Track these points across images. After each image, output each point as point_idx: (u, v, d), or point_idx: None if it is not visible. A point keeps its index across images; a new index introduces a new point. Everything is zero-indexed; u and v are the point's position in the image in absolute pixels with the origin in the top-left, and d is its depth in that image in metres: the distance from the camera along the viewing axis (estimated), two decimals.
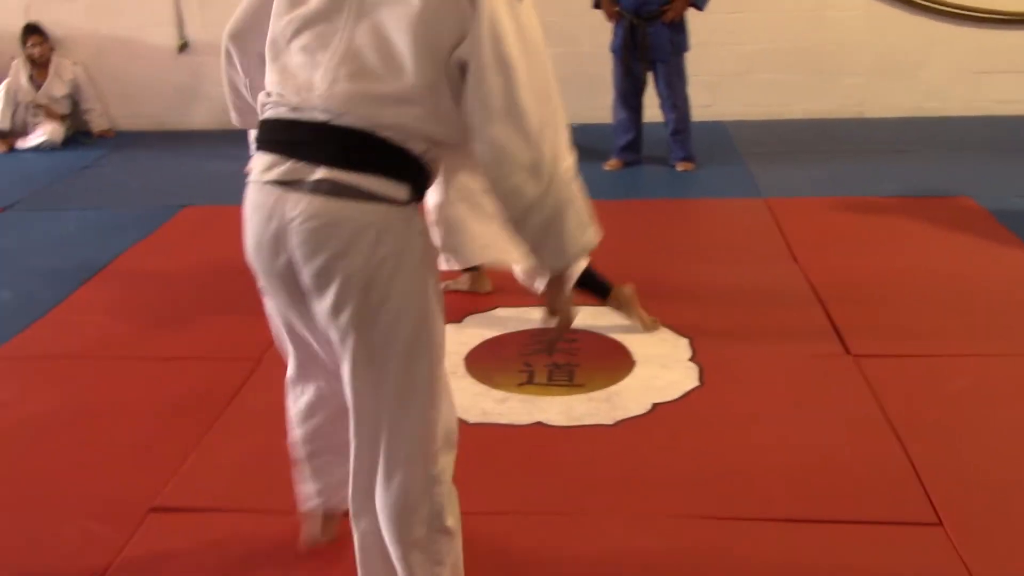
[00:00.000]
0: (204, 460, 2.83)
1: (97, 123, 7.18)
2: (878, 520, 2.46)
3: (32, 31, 6.91)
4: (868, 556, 2.33)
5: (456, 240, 3.09)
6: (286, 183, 1.72)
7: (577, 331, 3.59)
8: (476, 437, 2.92)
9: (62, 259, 4.56)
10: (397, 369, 1.81)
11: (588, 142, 6.39)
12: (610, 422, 2.97)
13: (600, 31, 5.93)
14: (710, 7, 5.58)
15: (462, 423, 2.95)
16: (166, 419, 3.06)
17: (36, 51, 6.90)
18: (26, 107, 6.92)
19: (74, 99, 7.11)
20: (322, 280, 1.73)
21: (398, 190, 1.73)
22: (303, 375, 2.14)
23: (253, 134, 1.93)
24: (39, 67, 6.96)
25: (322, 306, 1.77)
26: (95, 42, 7.14)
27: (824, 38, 6.81)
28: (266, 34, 1.81)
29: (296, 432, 2.26)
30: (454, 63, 1.67)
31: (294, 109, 1.73)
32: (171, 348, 3.57)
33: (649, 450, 2.83)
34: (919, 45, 6.79)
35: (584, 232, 1.79)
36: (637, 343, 3.48)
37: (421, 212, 1.82)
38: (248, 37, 1.91)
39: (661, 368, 3.29)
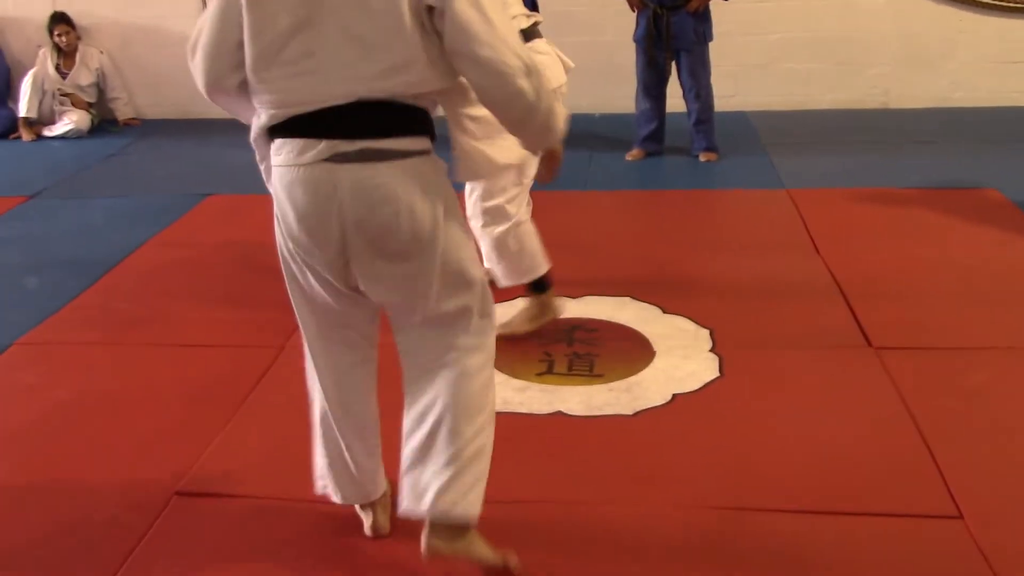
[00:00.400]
0: (228, 445, 2.86)
1: (123, 111, 7.24)
2: (898, 513, 2.46)
3: (59, 20, 6.97)
4: (888, 549, 2.33)
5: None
6: (327, 160, 1.95)
7: (598, 321, 3.60)
8: (496, 426, 2.93)
9: (88, 247, 4.61)
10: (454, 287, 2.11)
11: (611, 132, 6.42)
12: (630, 412, 2.98)
13: (624, 20, 5.92)
14: None
15: None
16: (190, 405, 3.09)
17: (63, 40, 6.97)
18: (53, 95, 6.99)
19: (100, 88, 7.18)
20: (383, 232, 2.00)
21: (422, 143, 2.03)
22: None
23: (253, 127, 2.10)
24: (66, 56, 7.03)
25: (381, 259, 2.04)
26: (121, 31, 7.19)
27: (849, 27, 6.76)
28: (236, 65, 2.01)
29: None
30: (422, 9, 1.91)
31: (308, 104, 1.95)
32: (195, 335, 3.61)
33: (669, 441, 2.83)
34: (945, 35, 6.73)
35: (562, 114, 2.17)
36: (658, 334, 3.48)
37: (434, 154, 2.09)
38: (223, 82, 2.07)
39: (682, 359, 3.29)
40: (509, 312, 3.51)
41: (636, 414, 2.97)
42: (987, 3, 6.64)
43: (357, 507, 2.46)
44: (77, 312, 3.87)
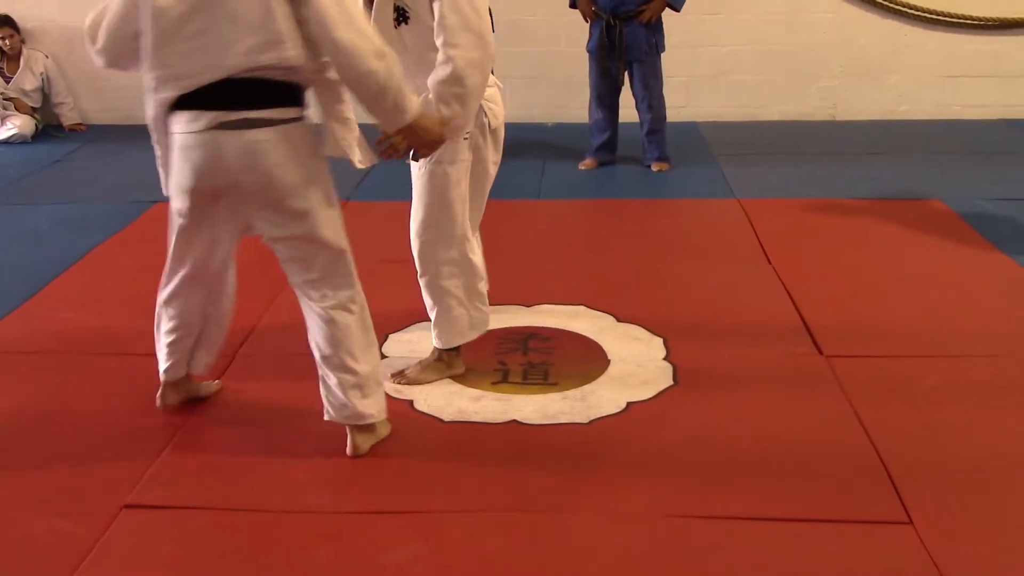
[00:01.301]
0: (177, 457, 2.81)
1: (68, 116, 7.11)
2: (850, 519, 2.49)
3: (3, 22, 6.83)
4: (839, 555, 2.35)
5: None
6: (215, 127, 2.45)
7: (552, 330, 3.61)
8: (451, 435, 2.93)
9: (33, 254, 4.52)
10: (321, 222, 2.60)
11: (564, 141, 6.44)
12: (585, 421, 2.98)
13: (577, 31, 5.96)
14: (686, 8, 5.61)
15: (437, 421, 2.98)
16: (138, 416, 3.03)
17: (7, 43, 6.83)
18: None
19: (45, 92, 7.05)
20: (262, 186, 2.52)
21: (294, 112, 2.52)
22: (180, 270, 2.87)
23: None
24: (10, 60, 6.90)
25: (258, 205, 2.57)
26: (66, 34, 7.05)
27: (797, 41, 6.87)
28: (134, 51, 2.53)
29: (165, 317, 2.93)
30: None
31: (198, 78, 2.41)
32: (143, 344, 3.52)
33: (624, 449, 2.84)
34: (890, 49, 6.86)
35: (410, 94, 2.53)
36: (612, 342, 3.49)
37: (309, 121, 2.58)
38: (121, 63, 2.65)
39: (636, 367, 3.30)
40: (409, 345, 3.46)
41: (591, 422, 2.97)
42: (931, 18, 6.79)
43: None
44: (21, 321, 3.78)
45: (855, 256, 4.32)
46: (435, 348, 3.26)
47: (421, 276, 3.15)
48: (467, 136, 2.97)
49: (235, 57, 2.38)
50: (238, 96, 2.43)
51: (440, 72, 2.73)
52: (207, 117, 2.45)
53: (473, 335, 3.24)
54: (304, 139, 2.56)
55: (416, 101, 2.59)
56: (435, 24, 2.73)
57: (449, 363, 3.26)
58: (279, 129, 2.49)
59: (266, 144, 2.47)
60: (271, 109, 2.47)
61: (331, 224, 2.65)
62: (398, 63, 2.47)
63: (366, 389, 2.74)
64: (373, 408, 2.76)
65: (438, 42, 2.73)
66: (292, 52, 2.40)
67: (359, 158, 2.69)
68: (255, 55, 2.38)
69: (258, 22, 2.36)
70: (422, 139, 2.66)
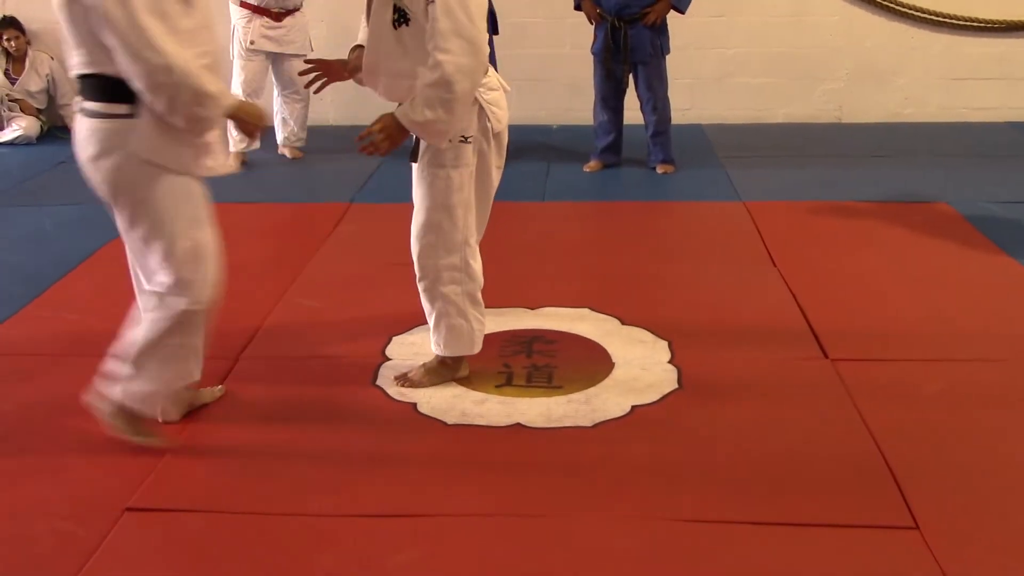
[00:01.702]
0: (179, 460, 2.80)
1: (73, 118, 7.10)
2: (855, 524, 2.47)
3: (8, 24, 6.84)
4: (845, 560, 2.34)
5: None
6: (78, 112, 2.68)
7: (556, 333, 3.59)
8: (455, 438, 2.92)
9: (37, 255, 4.52)
10: (142, 221, 2.70)
11: (568, 143, 6.43)
12: (589, 424, 2.97)
13: (581, 33, 5.95)
14: (691, 11, 5.60)
15: (440, 424, 2.97)
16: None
17: (12, 45, 6.83)
18: (1, 100, 6.84)
19: (50, 94, 7.05)
20: (91, 174, 2.70)
21: (119, 108, 2.59)
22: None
23: None
24: (15, 61, 6.90)
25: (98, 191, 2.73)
26: None
27: (804, 43, 6.85)
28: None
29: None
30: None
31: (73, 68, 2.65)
32: None
33: (628, 452, 2.82)
34: (897, 51, 6.84)
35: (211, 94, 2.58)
36: (617, 345, 3.48)
37: (142, 119, 2.60)
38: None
39: (640, 370, 3.29)
40: (412, 348, 3.46)
41: (595, 426, 2.96)
42: (937, 20, 6.77)
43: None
44: (26, 322, 3.78)
45: (860, 259, 4.30)
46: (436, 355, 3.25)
47: (420, 280, 3.13)
48: (470, 140, 2.96)
49: (79, 58, 2.63)
50: (83, 88, 2.66)
51: (429, 75, 2.73)
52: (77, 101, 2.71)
53: (472, 350, 3.20)
54: (129, 132, 2.62)
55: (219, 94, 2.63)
56: (427, 27, 2.72)
57: (453, 367, 3.24)
58: (107, 121, 2.63)
59: (92, 132, 2.66)
60: (100, 103, 2.63)
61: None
62: (188, 75, 2.51)
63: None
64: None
65: (429, 46, 2.71)
66: (109, 61, 2.55)
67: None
68: (87, 58, 2.61)
69: (83, 33, 2.56)
70: (253, 125, 2.78)
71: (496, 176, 3.16)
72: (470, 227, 3.07)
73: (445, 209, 2.99)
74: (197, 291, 2.75)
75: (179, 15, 2.52)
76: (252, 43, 5.77)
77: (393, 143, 2.83)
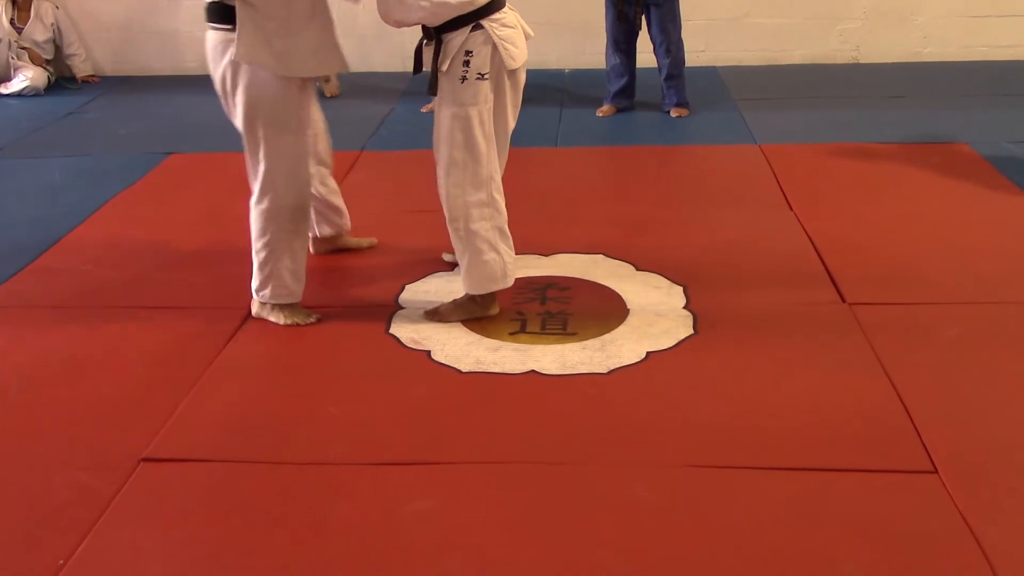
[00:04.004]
0: (194, 410, 2.81)
1: (80, 68, 7.05)
2: (874, 468, 2.46)
3: None
4: (864, 504, 2.33)
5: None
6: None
7: (570, 279, 3.57)
8: (470, 386, 2.91)
9: (47, 207, 4.50)
10: (238, 118, 3.10)
11: (581, 88, 6.35)
12: (604, 371, 2.95)
13: None
14: None
15: (455, 372, 2.96)
16: (156, 369, 3.03)
17: None
18: (9, 46, 6.77)
19: (56, 44, 6.98)
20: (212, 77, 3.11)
21: (225, 25, 2.95)
22: None
23: None
24: (20, 9, 6.81)
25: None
26: None
27: None
28: None
29: None
30: None
31: None
32: (160, 297, 3.53)
33: (643, 399, 2.81)
34: None
35: None
36: (631, 291, 3.45)
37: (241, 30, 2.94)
38: None
39: (655, 316, 3.26)
40: (426, 296, 3.46)
41: (611, 372, 2.94)
42: None
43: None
44: (37, 274, 3.77)
45: (878, 202, 4.24)
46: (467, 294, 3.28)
47: (452, 221, 3.17)
48: (487, 77, 2.99)
49: None
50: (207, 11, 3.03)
51: None
52: None
53: (506, 283, 3.24)
54: (227, 46, 2.99)
55: None
56: None
57: (484, 305, 3.29)
58: (216, 34, 3.03)
59: (209, 44, 3.07)
60: (212, 23, 3.03)
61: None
62: None
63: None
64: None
65: None
66: None
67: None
68: None
69: None
70: None
71: (512, 115, 3.19)
72: (493, 163, 3.13)
73: (468, 147, 3.05)
74: (280, 189, 3.11)
75: None
76: None
77: None
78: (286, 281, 3.24)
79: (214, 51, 3.03)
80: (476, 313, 3.27)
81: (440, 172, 3.13)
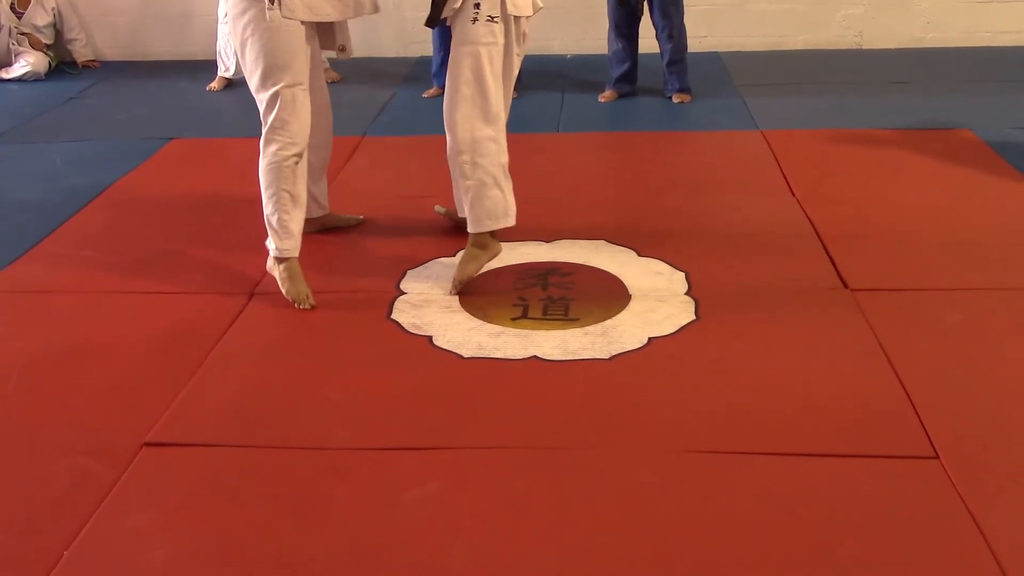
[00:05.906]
0: (197, 395, 2.81)
1: (81, 53, 7.03)
2: (875, 454, 2.46)
3: None
4: (866, 489, 2.33)
5: None
6: None
7: (572, 265, 3.56)
8: (471, 371, 2.91)
9: (48, 192, 4.49)
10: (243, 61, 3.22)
11: (583, 73, 6.33)
12: (606, 356, 2.95)
13: None
14: None
15: (457, 357, 2.96)
16: (158, 354, 3.03)
17: None
18: (10, 32, 6.75)
19: (57, 28, 6.96)
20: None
21: None
22: None
23: None
24: None
25: None
26: None
27: None
28: None
29: None
30: None
31: None
32: (161, 282, 3.53)
33: (645, 384, 2.81)
34: None
35: None
36: (633, 277, 3.45)
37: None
38: None
39: (657, 302, 3.26)
40: (427, 282, 3.44)
41: (612, 358, 2.94)
42: None
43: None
44: (38, 260, 3.77)
45: (881, 188, 4.23)
46: (470, 235, 3.38)
47: (458, 155, 3.30)
48: (497, 19, 3.19)
49: None
50: None
51: None
52: None
53: (507, 221, 3.36)
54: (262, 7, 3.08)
55: None
56: None
57: (484, 246, 3.39)
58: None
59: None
60: None
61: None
62: None
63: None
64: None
65: None
66: None
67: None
68: None
69: None
70: None
71: (516, 62, 3.36)
72: (500, 103, 3.29)
73: (479, 83, 3.22)
74: (281, 138, 3.17)
75: None
76: None
77: None
78: (279, 232, 3.30)
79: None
80: (483, 259, 3.39)
81: (450, 107, 3.28)
